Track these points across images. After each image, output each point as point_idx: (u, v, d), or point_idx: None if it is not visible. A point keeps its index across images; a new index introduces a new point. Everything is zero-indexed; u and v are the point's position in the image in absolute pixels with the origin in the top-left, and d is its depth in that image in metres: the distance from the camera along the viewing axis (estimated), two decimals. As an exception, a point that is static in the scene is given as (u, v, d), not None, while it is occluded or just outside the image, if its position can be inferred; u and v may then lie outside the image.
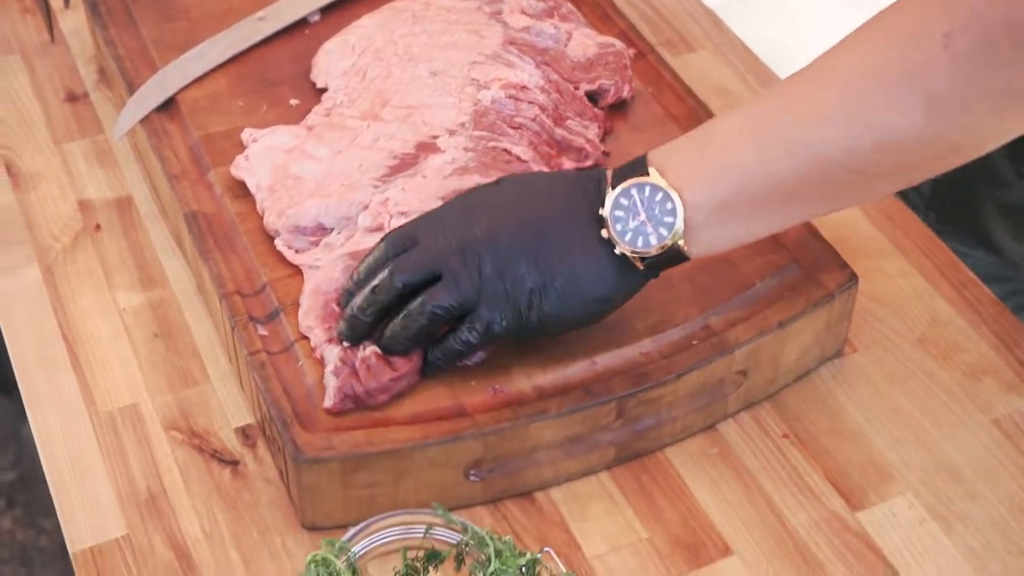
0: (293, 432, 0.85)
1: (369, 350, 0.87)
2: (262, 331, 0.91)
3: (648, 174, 0.84)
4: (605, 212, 0.85)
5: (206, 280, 0.97)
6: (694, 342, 0.91)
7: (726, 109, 0.95)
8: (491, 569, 0.76)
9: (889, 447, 0.93)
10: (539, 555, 0.78)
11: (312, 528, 0.88)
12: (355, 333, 0.88)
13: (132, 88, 1.08)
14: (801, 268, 0.96)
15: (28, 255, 1.05)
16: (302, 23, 1.15)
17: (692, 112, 1.07)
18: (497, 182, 0.90)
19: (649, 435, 0.91)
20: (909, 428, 0.94)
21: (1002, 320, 1.01)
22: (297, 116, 1.06)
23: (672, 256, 0.84)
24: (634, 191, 0.84)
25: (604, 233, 0.85)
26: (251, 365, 0.89)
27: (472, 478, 0.88)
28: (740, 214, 0.82)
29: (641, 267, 0.85)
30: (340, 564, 0.76)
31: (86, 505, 0.90)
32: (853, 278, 0.95)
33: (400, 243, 0.88)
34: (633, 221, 0.84)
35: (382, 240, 0.89)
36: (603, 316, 0.88)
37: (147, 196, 1.09)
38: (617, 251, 0.85)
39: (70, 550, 0.87)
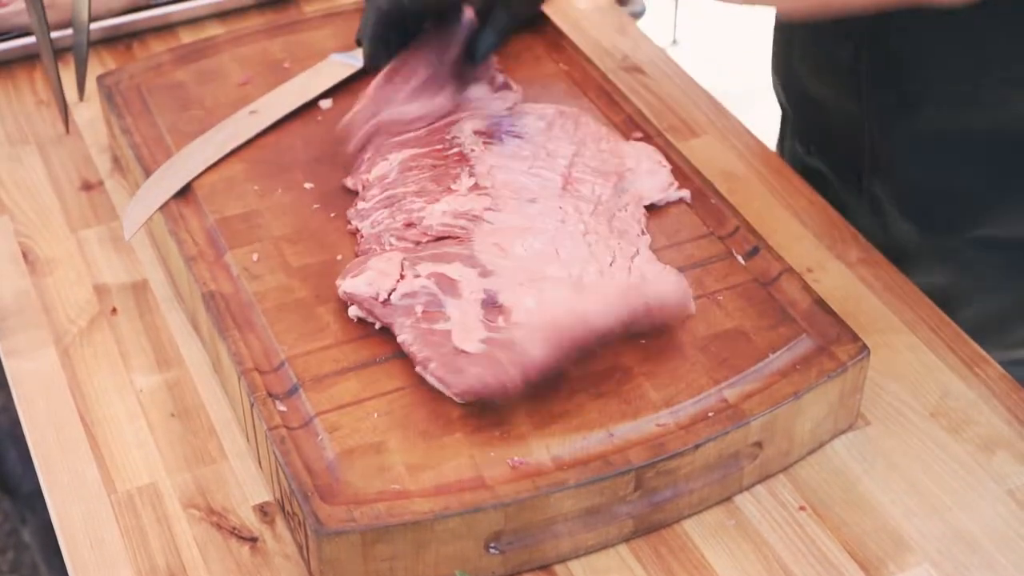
0: (314, 505, 0.86)
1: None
2: (281, 407, 0.92)
3: None
4: None
5: (224, 359, 0.98)
6: (710, 414, 0.92)
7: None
8: (516, 636, 0.76)
9: (905, 518, 0.94)
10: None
11: (332, 603, 0.88)
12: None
13: (149, 174, 1.10)
14: (812, 341, 0.97)
15: (45, 338, 1.06)
16: (314, 110, 1.17)
17: (700, 191, 1.09)
18: None
19: (667, 507, 0.92)
20: (924, 499, 0.95)
21: (1013, 395, 1.02)
22: (312, 199, 1.07)
23: None
24: None
25: None
26: (271, 440, 0.90)
27: (492, 551, 0.88)
28: None
29: None
30: (365, 633, 0.76)
31: (105, 584, 0.90)
32: (864, 350, 0.96)
33: None
34: None
35: None
36: None
37: (162, 281, 1.11)
38: None
39: (90, 628, 0.87)
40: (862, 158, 1.18)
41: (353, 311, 0.97)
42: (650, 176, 1.09)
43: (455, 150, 1.06)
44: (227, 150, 1.11)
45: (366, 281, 0.97)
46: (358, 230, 1.03)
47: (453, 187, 1.04)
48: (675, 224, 1.06)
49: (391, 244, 1.01)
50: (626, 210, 1.05)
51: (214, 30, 1.35)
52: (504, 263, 0.98)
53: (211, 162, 1.10)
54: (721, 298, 1.00)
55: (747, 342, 0.97)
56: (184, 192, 1.09)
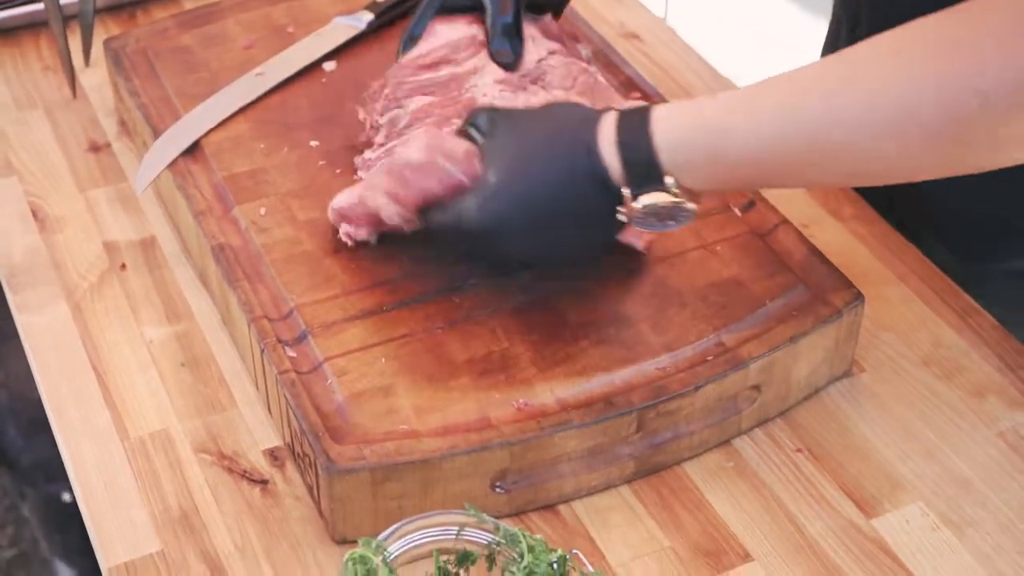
0: (325, 444, 0.88)
1: None
2: (290, 353, 0.94)
3: (664, 185, 0.88)
4: (625, 219, 0.90)
5: (233, 309, 1.00)
6: (709, 358, 0.95)
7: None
8: (524, 563, 0.79)
9: (899, 460, 0.96)
10: (569, 554, 0.81)
11: (342, 541, 0.90)
12: None
13: (157, 133, 1.12)
14: (808, 289, 0.99)
15: (56, 293, 1.08)
16: (318, 72, 1.19)
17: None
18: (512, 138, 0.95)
19: (667, 448, 0.94)
20: (918, 442, 0.97)
21: (1004, 343, 1.05)
22: (318, 156, 1.10)
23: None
24: (656, 202, 0.88)
25: (622, 217, 0.90)
26: (281, 383, 0.92)
27: (498, 490, 0.91)
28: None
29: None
30: (377, 561, 0.79)
31: (120, 525, 0.92)
32: (859, 297, 0.99)
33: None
34: (651, 221, 0.89)
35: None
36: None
37: (170, 237, 1.13)
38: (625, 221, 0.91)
39: (104, 566, 0.89)
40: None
41: (343, 228, 1.01)
42: None
43: (468, 96, 1.08)
44: (234, 109, 1.13)
45: (349, 195, 1.00)
46: (355, 167, 1.07)
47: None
48: (673, 179, 1.09)
49: None
50: None
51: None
52: None
53: (218, 121, 1.12)
54: (719, 248, 1.02)
55: (744, 290, 0.99)
56: (192, 150, 1.11)
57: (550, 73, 1.09)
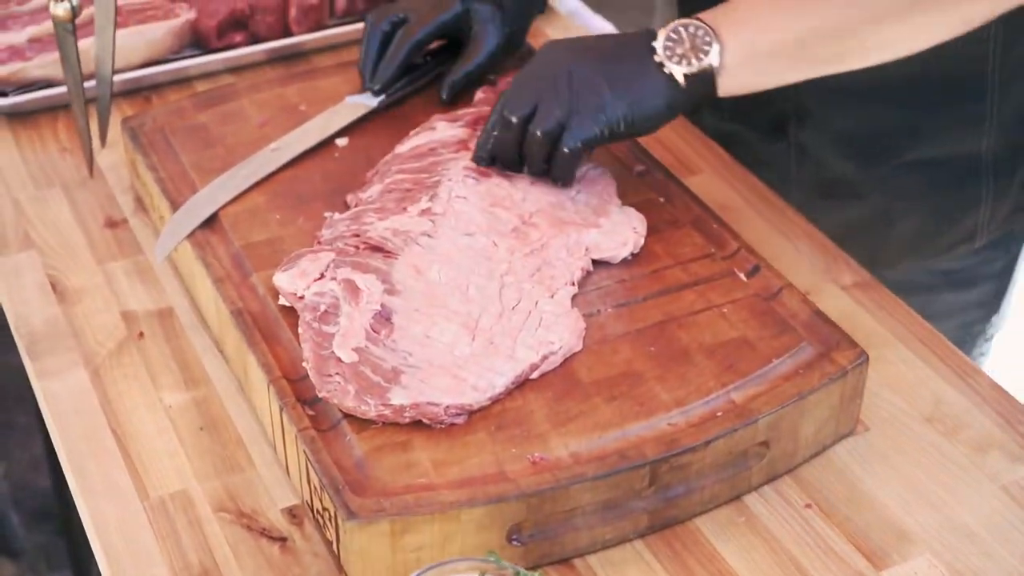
0: (345, 496, 0.90)
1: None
2: (309, 412, 0.96)
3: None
4: (657, 43, 1.07)
5: (251, 371, 1.02)
6: (719, 413, 0.97)
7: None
8: (545, 606, 0.80)
9: (906, 513, 0.98)
10: (587, 599, 0.82)
11: (361, 595, 0.91)
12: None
13: (175, 206, 1.15)
14: (814, 348, 1.02)
15: (75, 360, 1.10)
16: (331, 147, 1.22)
17: (701, 218, 1.14)
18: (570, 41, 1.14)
19: (680, 503, 0.96)
20: (923, 496, 0.99)
21: (1003, 401, 1.07)
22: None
23: (706, 80, 1.06)
24: (681, 29, 1.06)
25: (656, 58, 1.07)
26: (302, 440, 0.94)
27: (514, 543, 0.92)
28: (767, 63, 1.06)
29: (683, 83, 1.07)
30: (400, 606, 0.80)
31: (142, 582, 0.93)
32: (863, 355, 1.01)
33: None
34: (679, 48, 1.06)
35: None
36: (661, 123, 1.11)
37: (187, 308, 1.15)
38: (666, 71, 1.07)
39: (127, 622, 0.91)
40: (788, 114, 1.33)
41: (281, 300, 1.05)
42: (613, 235, 1.12)
43: (435, 178, 1.12)
44: (252, 182, 1.16)
45: (289, 277, 1.04)
46: (320, 236, 1.10)
47: (409, 209, 1.10)
48: (679, 246, 1.12)
49: (338, 249, 1.07)
50: (566, 260, 1.08)
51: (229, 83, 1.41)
52: (413, 285, 1.04)
53: (237, 192, 1.15)
54: (725, 310, 1.05)
55: (751, 349, 1.02)
56: (211, 222, 1.14)
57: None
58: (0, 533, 2.13)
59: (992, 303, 1.39)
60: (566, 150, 1.09)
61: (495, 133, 1.12)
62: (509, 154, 1.12)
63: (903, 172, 1.30)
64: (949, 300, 1.31)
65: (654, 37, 1.08)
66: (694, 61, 1.06)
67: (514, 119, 1.10)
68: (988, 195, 1.30)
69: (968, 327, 1.37)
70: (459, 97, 1.28)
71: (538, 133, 1.09)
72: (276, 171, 1.19)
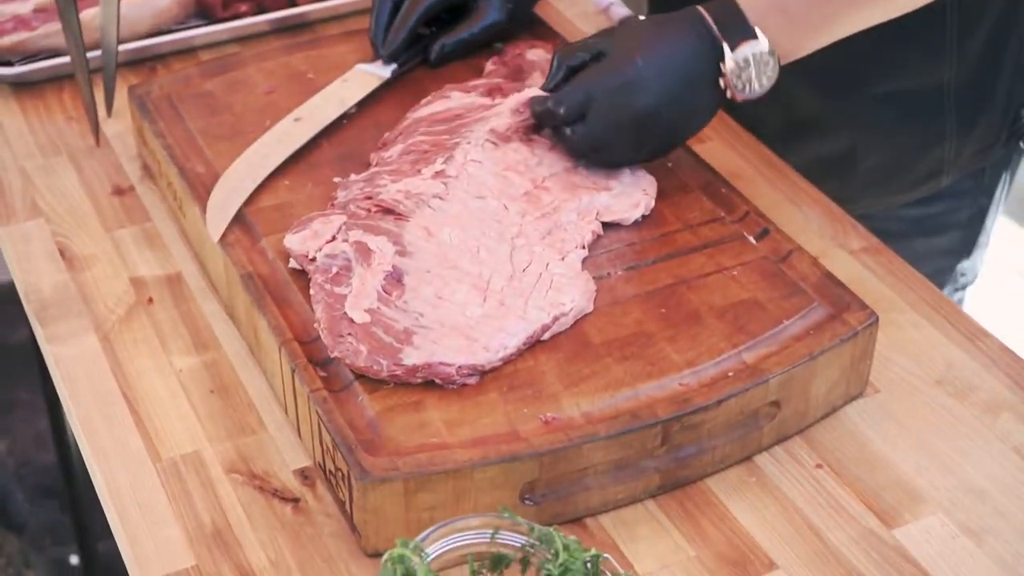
0: (358, 455, 0.90)
1: None
2: (321, 373, 0.96)
3: (757, 38, 1.07)
4: (727, 70, 1.08)
5: (262, 335, 1.02)
6: (730, 373, 0.97)
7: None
8: (560, 561, 0.80)
9: (917, 473, 0.98)
10: (602, 555, 0.83)
11: (375, 555, 0.92)
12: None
13: (183, 172, 1.15)
14: (824, 309, 1.02)
15: (85, 326, 1.10)
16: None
17: (710, 182, 1.15)
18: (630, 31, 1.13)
19: (691, 463, 0.96)
20: (934, 457, 1.00)
21: (1013, 363, 1.07)
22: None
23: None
24: (748, 55, 1.07)
25: (722, 82, 1.08)
26: (314, 400, 0.94)
27: (527, 503, 0.92)
28: (810, 36, 1.10)
29: (740, 100, 1.09)
30: (416, 561, 0.80)
31: (156, 542, 0.93)
32: (873, 316, 1.01)
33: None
34: (743, 76, 1.08)
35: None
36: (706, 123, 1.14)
37: (196, 273, 1.15)
38: (728, 94, 1.09)
39: (140, 581, 0.91)
40: None
41: (292, 263, 1.04)
42: (623, 198, 1.12)
43: (455, 141, 1.12)
44: (289, 153, 1.16)
45: (300, 239, 1.04)
46: (334, 198, 1.09)
47: (423, 171, 1.10)
48: (688, 210, 1.12)
49: (350, 212, 1.07)
50: (577, 224, 1.09)
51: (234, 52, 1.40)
52: (424, 246, 1.04)
53: (277, 164, 1.15)
54: (735, 272, 1.05)
55: (762, 311, 1.02)
56: (219, 189, 1.14)
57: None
58: (4, 509, 2.13)
59: (960, 251, 1.41)
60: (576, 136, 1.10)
61: (540, 106, 1.13)
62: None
63: (869, 106, 1.32)
64: (918, 247, 1.32)
65: (720, 55, 1.08)
66: (756, 88, 1.09)
67: (562, 111, 1.11)
68: (952, 130, 1.32)
69: (938, 276, 1.39)
70: (467, 65, 1.28)
71: (569, 133, 1.12)
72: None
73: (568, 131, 1.11)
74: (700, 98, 1.10)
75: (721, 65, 1.08)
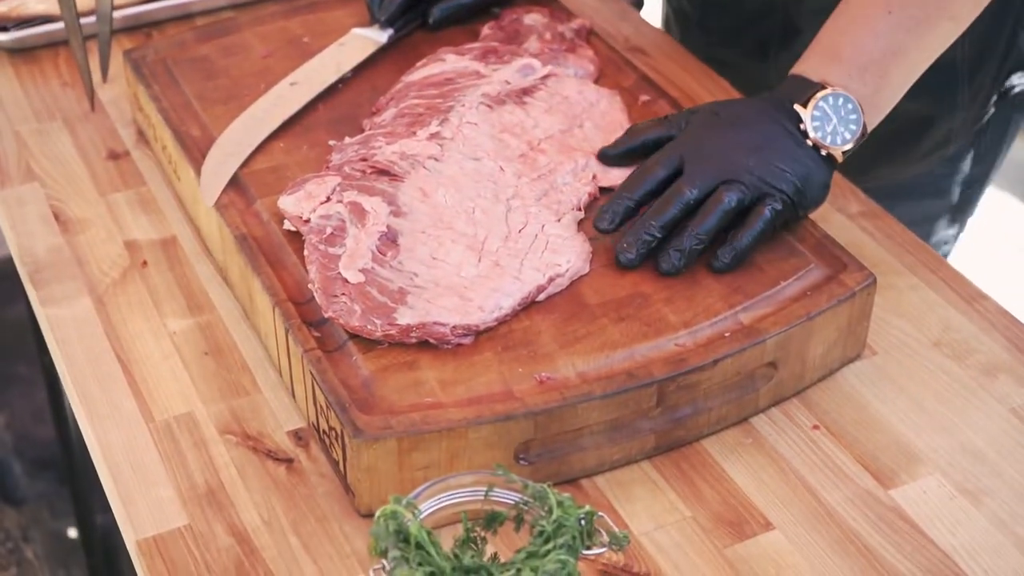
0: (352, 414, 0.89)
1: None
2: (315, 333, 0.96)
3: (825, 87, 1.05)
4: (807, 127, 1.05)
5: (256, 296, 1.01)
6: (726, 334, 0.96)
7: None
8: (553, 517, 0.80)
9: (915, 434, 0.98)
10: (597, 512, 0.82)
11: (368, 514, 0.91)
12: (643, 248, 1.02)
13: (178, 136, 1.14)
14: (821, 270, 1.02)
15: (79, 288, 1.10)
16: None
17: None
18: (714, 112, 1.09)
19: (687, 424, 0.96)
20: (932, 418, 0.99)
21: (1012, 327, 1.07)
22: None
23: (861, 141, 1.06)
24: (823, 103, 1.04)
25: (809, 142, 1.05)
26: (308, 360, 0.93)
27: (522, 462, 0.92)
28: (889, 89, 1.07)
29: (842, 159, 1.06)
30: (409, 517, 0.80)
31: (148, 502, 0.93)
32: (871, 277, 1.01)
33: (670, 165, 1.04)
34: (828, 126, 1.04)
35: (648, 168, 1.05)
36: (824, 198, 1.07)
37: (190, 236, 1.15)
38: (823, 152, 1.05)
39: (133, 539, 0.90)
40: (774, 34, 1.36)
41: (286, 224, 1.04)
42: None
43: (450, 104, 1.12)
44: (286, 117, 1.15)
45: (295, 200, 1.04)
46: (329, 160, 1.09)
47: (418, 133, 1.09)
48: (685, 173, 1.11)
49: (344, 173, 1.06)
50: (573, 185, 1.08)
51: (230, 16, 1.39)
52: (419, 207, 1.03)
53: (273, 128, 1.14)
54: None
55: (759, 272, 1.01)
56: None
57: (535, 93, 1.16)
58: (3, 482, 2.13)
59: (954, 214, 1.41)
60: (748, 240, 1.01)
61: (652, 203, 1.03)
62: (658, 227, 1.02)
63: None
64: (912, 209, 1.32)
65: (793, 115, 1.05)
66: (848, 136, 1.05)
67: (695, 192, 1.02)
68: (964, 100, 1.32)
69: (929, 238, 1.39)
70: (463, 31, 1.27)
71: (721, 212, 1.01)
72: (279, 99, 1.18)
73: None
74: (798, 158, 1.05)
75: (800, 126, 1.05)
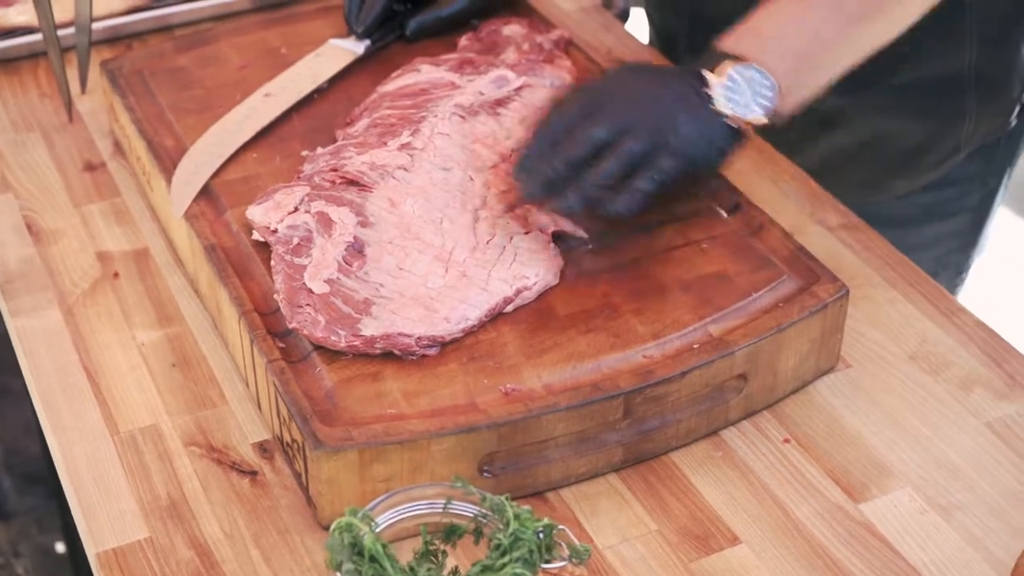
0: (313, 426, 0.88)
1: None
2: (280, 344, 0.95)
3: (739, 59, 1.01)
4: (713, 93, 1.01)
5: (224, 306, 1.01)
6: (695, 346, 0.95)
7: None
8: (510, 530, 0.79)
9: (887, 448, 0.97)
10: (556, 525, 0.81)
11: (329, 527, 0.90)
12: (552, 189, 0.99)
13: (152, 147, 1.13)
14: (794, 282, 1.00)
15: (50, 299, 1.09)
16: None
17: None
18: (630, 69, 1.09)
19: (655, 436, 0.94)
20: (905, 431, 0.98)
21: (990, 340, 1.05)
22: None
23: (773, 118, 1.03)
24: (734, 73, 1.01)
25: (714, 108, 1.01)
26: (271, 371, 0.92)
27: (486, 475, 0.91)
28: (809, 73, 1.04)
29: (752, 132, 1.03)
30: (365, 530, 0.79)
31: (109, 515, 0.92)
32: (844, 289, 1.00)
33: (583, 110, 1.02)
34: (739, 96, 1.01)
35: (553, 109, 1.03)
36: (722, 165, 1.04)
37: (163, 248, 1.14)
38: (732, 124, 1.01)
39: (93, 552, 0.89)
40: None
41: (255, 234, 1.03)
42: None
43: (422, 114, 1.11)
44: (258, 128, 1.14)
45: (263, 210, 1.03)
46: (300, 171, 1.08)
47: (389, 143, 1.08)
48: (660, 184, 1.10)
49: (314, 184, 1.05)
50: None
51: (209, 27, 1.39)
52: (387, 217, 1.02)
53: (245, 140, 1.13)
54: (705, 246, 1.04)
55: (730, 284, 1.00)
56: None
57: (509, 104, 1.15)
58: (-8, 497, 2.13)
59: (969, 235, 1.38)
60: (643, 185, 0.99)
61: (552, 150, 1.00)
62: (563, 173, 1.00)
63: (892, 95, 1.29)
64: (926, 232, 1.30)
65: (704, 82, 1.03)
66: (758, 109, 1.02)
67: (603, 133, 0.99)
68: (972, 109, 1.30)
69: (943, 259, 1.36)
70: (441, 43, 1.27)
71: (616, 162, 0.98)
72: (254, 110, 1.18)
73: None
74: (699, 122, 1.02)
75: (709, 92, 1.02)
